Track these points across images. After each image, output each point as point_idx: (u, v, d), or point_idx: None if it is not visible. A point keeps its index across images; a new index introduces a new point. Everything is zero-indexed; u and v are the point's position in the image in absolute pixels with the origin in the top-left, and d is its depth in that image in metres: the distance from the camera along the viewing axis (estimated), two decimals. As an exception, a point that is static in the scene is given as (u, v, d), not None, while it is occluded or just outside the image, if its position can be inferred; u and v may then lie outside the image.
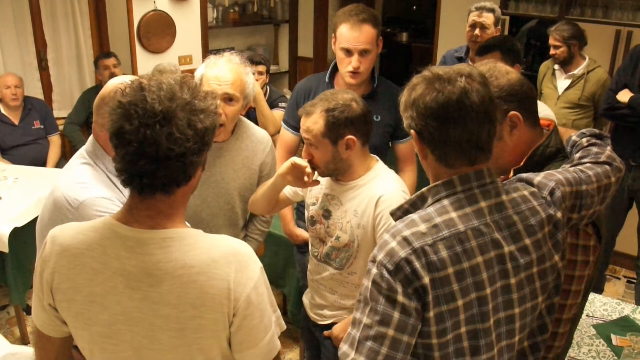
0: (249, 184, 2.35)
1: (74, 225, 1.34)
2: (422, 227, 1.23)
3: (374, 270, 1.23)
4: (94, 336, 1.29)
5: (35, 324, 1.38)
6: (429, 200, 1.30)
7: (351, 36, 2.35)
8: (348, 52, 2.37)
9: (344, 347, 1.27)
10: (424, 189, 1.32)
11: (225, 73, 2.16)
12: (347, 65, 2.38)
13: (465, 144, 1.26)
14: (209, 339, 1.27)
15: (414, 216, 1.27)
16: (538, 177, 1.38)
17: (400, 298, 1.20)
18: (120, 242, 1.25)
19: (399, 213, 1.34)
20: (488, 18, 3.52)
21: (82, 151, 1.77)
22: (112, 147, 1.23)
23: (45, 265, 1.30)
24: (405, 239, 1.22)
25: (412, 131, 1.31)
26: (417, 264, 1.20)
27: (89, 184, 1.67)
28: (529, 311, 1.34)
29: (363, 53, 2.36)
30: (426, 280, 1.19)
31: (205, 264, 1.24)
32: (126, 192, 1.73)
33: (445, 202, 1.27)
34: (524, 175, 1.41)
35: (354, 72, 2.38)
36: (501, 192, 1.32)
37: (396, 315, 1.21)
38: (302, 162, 1.98)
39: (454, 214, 1.25)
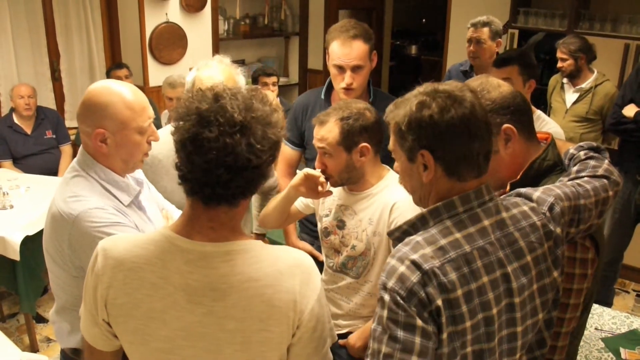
0: None
1: (127, 237, 1.31)
2: (428, 250, 1.20)
3: (387, 298, 1.19)
4: (153, 352, 1.26)
5: (86, 339, 1.35)
6: (430, 223, 1.26)
7: (342, 53, 2.34)
8: (340, 68, 2.36)
9: None
10: (424, 211, 1.28)
11: (217, 73, 2.18)
12: (340, 82, 2.38)
13: (483, 157, 1.25)
14: (272, 351, 1.25)
15: (417, 238, 1.23)
16: (537, 193, 1.37)
17: (419, 322, 1.17)
18: (180, 255, 1.22)
19: (397, 233, 1.32)
20: (483, 33, 3.54)
21: (73, 164, 1.74)
22: (182, 154, 1.19)
23: (99, 280, 1.26)
24: (413, 263, 1.18)
25: (422, 151, 1.25)
26: (429, 287, 1.17)
27: (81, 196, 1.64)
28: (530, 328, 1.33)
29: (355, 69, 2.35)
30: (439, 302, 1.17)
31: (271, 277, 1.22)
32: (124, 198, 1.72)
33: (448, 223, 1.24)
34: (522, 190, 1.40)
35: (347, 89, 2.37)
36: (501, 209, 1.30)
37: (417, 340, 1.17)
38: (315, 172, 2.00)
39: (458, 235, 1.23)
